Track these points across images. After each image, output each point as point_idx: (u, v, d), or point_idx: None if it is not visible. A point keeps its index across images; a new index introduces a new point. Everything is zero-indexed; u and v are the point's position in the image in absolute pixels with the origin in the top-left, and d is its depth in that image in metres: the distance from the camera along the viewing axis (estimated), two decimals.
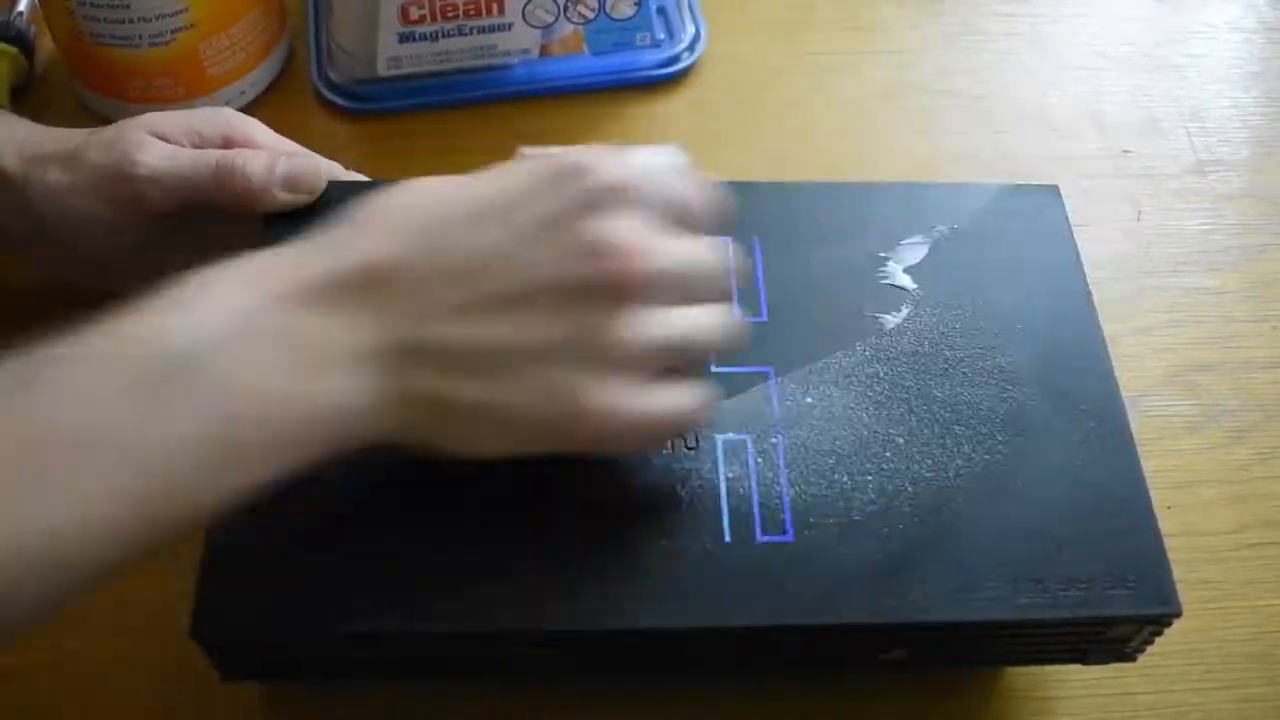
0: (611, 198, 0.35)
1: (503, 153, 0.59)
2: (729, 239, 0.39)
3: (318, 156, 0.46)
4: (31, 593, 0.29)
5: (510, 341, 0.34)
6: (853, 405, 0.41)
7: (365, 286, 0.34)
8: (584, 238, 0.34)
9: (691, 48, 0.64)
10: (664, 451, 0.39)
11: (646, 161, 0.37)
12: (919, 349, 0.43)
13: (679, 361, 0.36)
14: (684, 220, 0.36)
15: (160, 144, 0.45)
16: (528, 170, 0.36)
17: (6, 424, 0.29)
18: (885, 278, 0.44)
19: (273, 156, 0.44)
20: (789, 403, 0.41)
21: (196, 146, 0.46)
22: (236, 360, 0.32)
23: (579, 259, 0.34)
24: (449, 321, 0.34)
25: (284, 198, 0.44)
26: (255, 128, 0.48)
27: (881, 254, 0.45)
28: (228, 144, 0.46)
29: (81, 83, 0.59)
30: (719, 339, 0.37)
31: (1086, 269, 0.45)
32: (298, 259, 0.35)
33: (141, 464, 0.30)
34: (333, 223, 0.36)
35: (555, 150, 0.37)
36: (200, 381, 0.31)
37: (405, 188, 0.37)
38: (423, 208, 0.36)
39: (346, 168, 0.47)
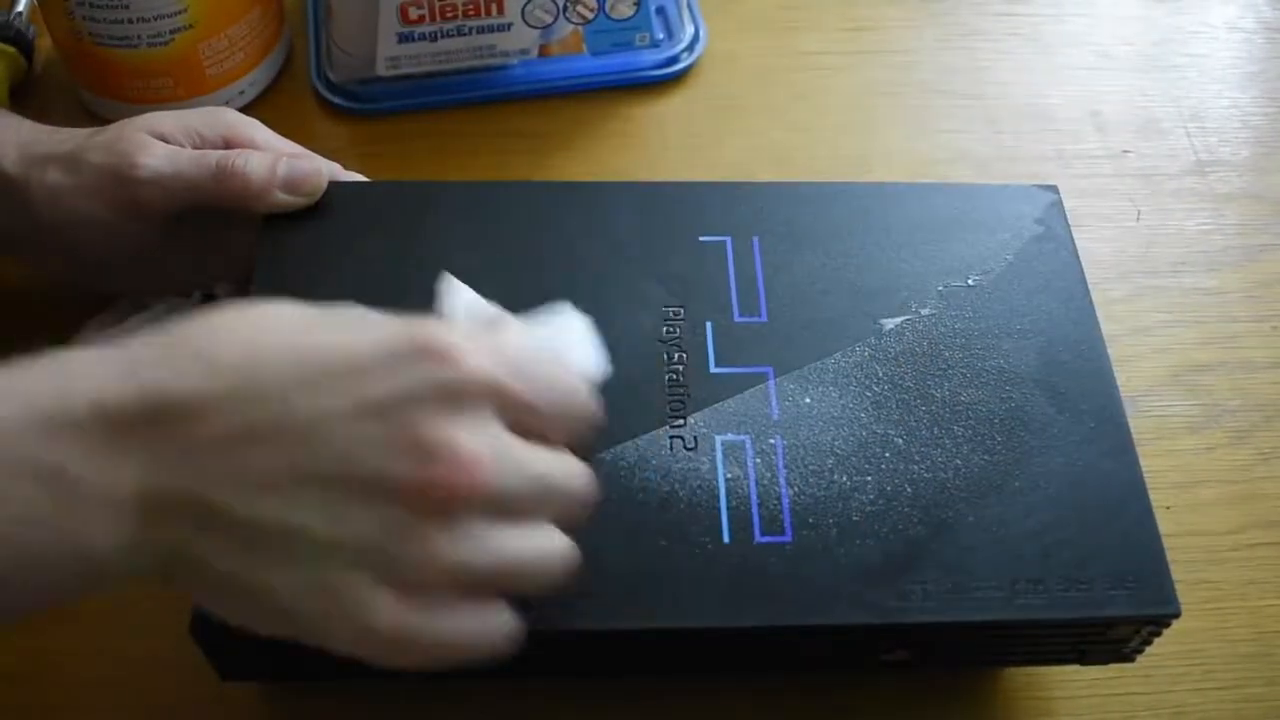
0: (467, 393, 0.31)
1: (501, 153, 0.60)
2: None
3: (319, 157, 0.46)
4: None
5: (301, 527, 0.29)
6: (852, 406, 0.41)
7: (146, 425, 0.29)
8: (422, 435, 0.30)
9: (691, 48, 0.64)
10: (663, 452, 0.39)
11: (519, 355, 0.33)
12: (918, 349, 0.43)
13: (493, 586, 0.32)
14: (546, 427, 0.33)
15: (160, 145, 0.45)
16: (388, 337, 0.31)
17: None
18: (884, 276, 0.44)
19: (274, 158, 0.44)
20: (788, 403, 0.41)
21: (197, 147, 0.46)
22: None
23: (409, 456, 0.30)
24: (232, 486, 0.29)
25: (284, 199, 0.44)
26: (256, 128, 0.48)
27: (881, 255, 0.45)
28: (228, 144, 0.46)
29: (81, 83, 0.59)
30: (544, 571, 0.32)
31: (1086, 269, 0.45)
32: (78, 373, 0.30)
33: None
34: (151, 333, 0.31)
35: (428, 323, 0.32)
36: None
37: (243, 318, 0.32)
38: (255, 349, 0.31)
39: (346, 168, 0.47)
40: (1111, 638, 0.39)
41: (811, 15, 0.68)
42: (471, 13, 0.58)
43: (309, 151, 0.47)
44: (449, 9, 0.58)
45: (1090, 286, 0.45)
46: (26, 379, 0.30)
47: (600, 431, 0.35)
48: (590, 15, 0.60)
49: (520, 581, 0.32)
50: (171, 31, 0.55)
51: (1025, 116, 0.63)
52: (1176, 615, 0.37)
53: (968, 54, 0.66)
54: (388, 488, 0.30)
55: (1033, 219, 0.47)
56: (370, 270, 0.43)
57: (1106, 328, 0.44)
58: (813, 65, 0.65)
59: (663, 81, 0.63)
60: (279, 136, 0.48)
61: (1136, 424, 0.41)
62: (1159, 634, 0.39)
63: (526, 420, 0.32)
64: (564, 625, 0.36)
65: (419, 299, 0.42)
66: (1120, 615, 0.37)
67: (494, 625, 0.32)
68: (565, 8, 0.59)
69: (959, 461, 0.40)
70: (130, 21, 0.54)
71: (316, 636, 0.31)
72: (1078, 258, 0.46)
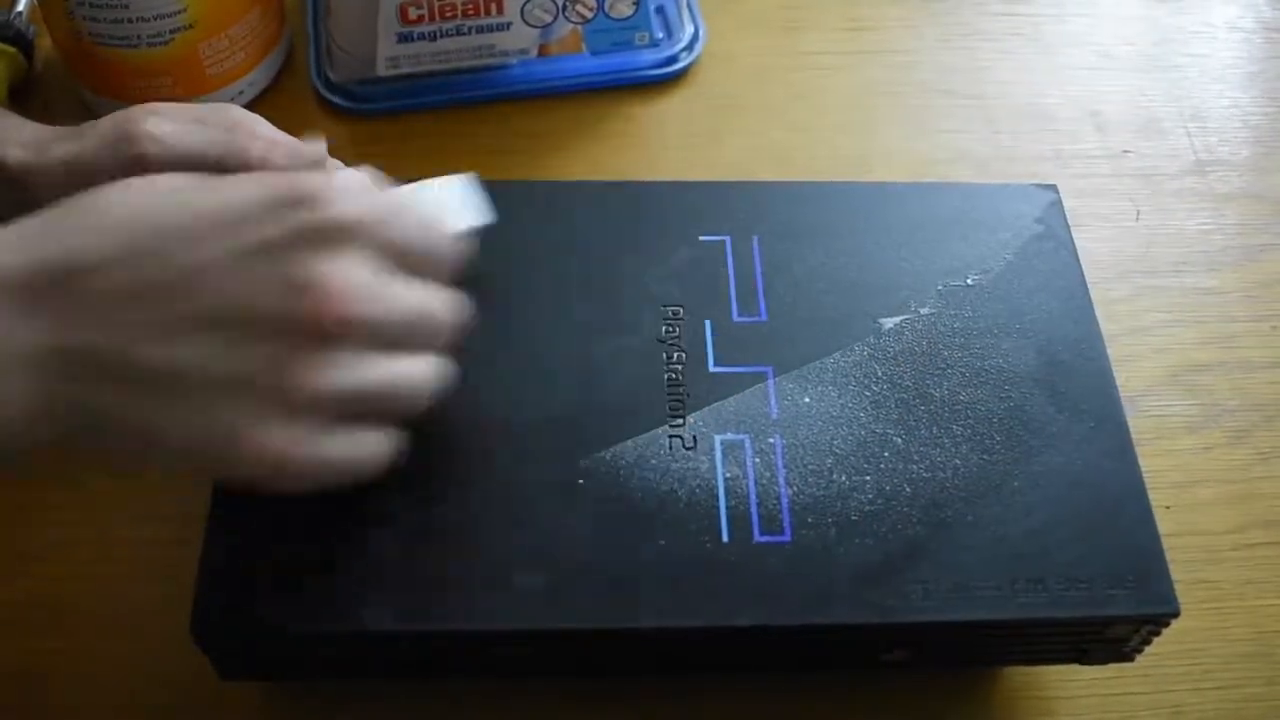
0: (337, 234, 0.33)
1: (501, 153, 0.60)
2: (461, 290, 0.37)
3: (324, 153, 0.46)
4: None
5: (187, 367, 0.32)
6: (851, 405, 0.41)
7: (48, 286, 0.32)
8: (294, 272, 0.32)
9: (690, 47, 0.64)
10: (662, 452, 0.39)
11: (389, 200, 0.35)
12: (917, 349, 0.43)
13: (370, 410, 0.34)
14: (416, 266, 0.35)
15: (166, 120, 0.45)
16: (258, 188, 0.33)
17: None
18: (884, 275, 0.44)
19: (276, 147, 0.44)
20: (787, 403, 0.41)
21: None
22: None
23: (283, 293, 0.32)
24: (128, 336, 0.32)
25: None
26: (260, 124, 0.47)
27: (880, 254, 0.45)
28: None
29: (81, 83, 0.59)
30: (415, 393, 0.35)
31: (1086, 269, 0.45)
32: None
33: None
34: (42, 211, 0.34)
35: (300, 174, 0.35)
36: None
37: (128, 185, 0.34)
38: (139, 210, 0.33)
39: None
40: (1111, 637, 0.39)
41: (811, 15, 0.68)
42: (471, 12, 0.58)
43: (316, 147, 0.47)
44: (448, 9, 0.58)
45: (1090, 286, 0.45)
46: None
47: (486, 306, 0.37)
48: (589, 15, 0.60)
49: (393, 403, 0.35)
50: (171, 31, 0.55)
51: (1025, 116, 0.63)
52: (1176, 615, 0.37)
53: (968, 54, 0.66)
54: (266, 325, 0.32)
55: (1032, 219, 0.47)
56: None
57: (1106, 328, 0.44)
58: (813, 65, 0.65)
59: (662, 81, 0.63)
60: (284, 133, 0.48)
61: (1136, 424, 0.41)
62: (1158, 633, 0.39)
63: (399, 260, 0.34)
64: (563, 625, 0.36)
65: None
66: (1120, 615, 0.37)
67: (370, 446, 0.35)
68: (564, 7, 0.59)
69: (958, 461, 0.40)
70: (130, 21, 0.54)
71: (211, 469, 0.34)
72: (1077, 257, 0.46)
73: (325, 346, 0.33)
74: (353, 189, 0.34)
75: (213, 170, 0.44)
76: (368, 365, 0.33)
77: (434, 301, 0.35)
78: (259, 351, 0.32)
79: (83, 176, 0.44)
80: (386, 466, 0.35)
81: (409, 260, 0.35)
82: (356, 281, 0.33)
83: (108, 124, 0.44)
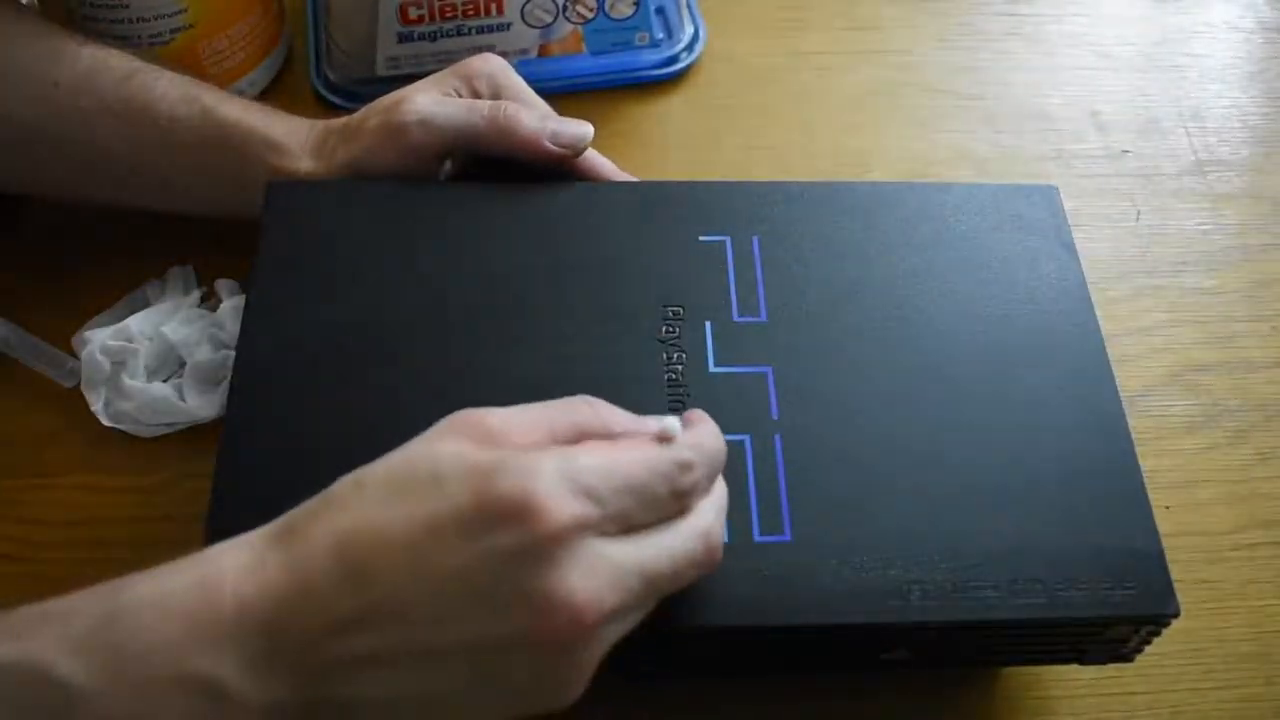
0: (560, 543, 0.30)
1: None
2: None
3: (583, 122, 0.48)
4: None
5: (419, 693, 0.31)
6: (851, 405, 0.41)
7: (284, 648, 0.30)
8: (524, 592, 0.30)
9: (690, 47, 0.64)
10: None
11: (600, 465, 0.31)
12: (917, 349, 0.43)
13: None
14: (654, 510, 0.32)
15: (427, 95, 0.47)
16: (458, 501, 0.30)
17: None
18: (883, 276, 0.44)
19: (544, 112, 0.47)
20: (787, 403, 0.41)
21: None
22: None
23: (515, 615, 0.30)
24: (363, 682, 0.30)
25: (552, 149, 0.46)
26: (512, 74, 0.50)
27: (880, 254, 0.45)
28: (495, 94, 0.49)
29: None
30: None
31: (1086, 269, 0.45)
32: (205, 591, 0.30)
33: None
34: (267, 531, 0.32)
35: (500, 479, 0.30)
36: None
37: (339, 507, 0.32)
38: (354, 533, 0.31)
39: None
40: (1110, 637, 0.39)
41: (811, 15, 0.68)
42: (471, 13, 0.58)
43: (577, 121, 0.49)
44: (448, 9, 0.58)
45: (1090, 286, 0.45)
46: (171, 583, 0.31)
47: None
48: (589, 15, 0.60)
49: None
50: (172, 31, 0.55)
51: (1025, 116, 0.63)
52: (1176, 615, 0.37)
53: (968, 54, 0.67)
54: (507, 644, 0.30)
55: (1033, 219, 0.47)
56: (370, 270, 0.43)
57: (1106, 328, 0.44)
58: (813, 65, 0.65)
59: (662, 81, 0.63)
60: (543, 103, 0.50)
61: (1136, 424, 0.41)
62: (1158, 634, 0.39)
63: (624, 517, 0.32)
64: None
65: (420, 298, 0.43)
66: (1119, 615, 0.37)
67: None
68: (564, 7, 0.59)
69: (958, 461, 0.40)
70: (130, 21, 0.54)
71: None
72: (1078, 258, 0.45)
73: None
74: (556, 475, 0.30)
75: (480, 134, 0.46)
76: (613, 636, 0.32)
77: (672, 552, 0.32)
78: (507, 662, 0.30)
79: (364, 172, 0.47)
80: None
81: (646, 510, 0.32)
82: (599, 578, 0.30)
83: (376, 121, 0.47)
